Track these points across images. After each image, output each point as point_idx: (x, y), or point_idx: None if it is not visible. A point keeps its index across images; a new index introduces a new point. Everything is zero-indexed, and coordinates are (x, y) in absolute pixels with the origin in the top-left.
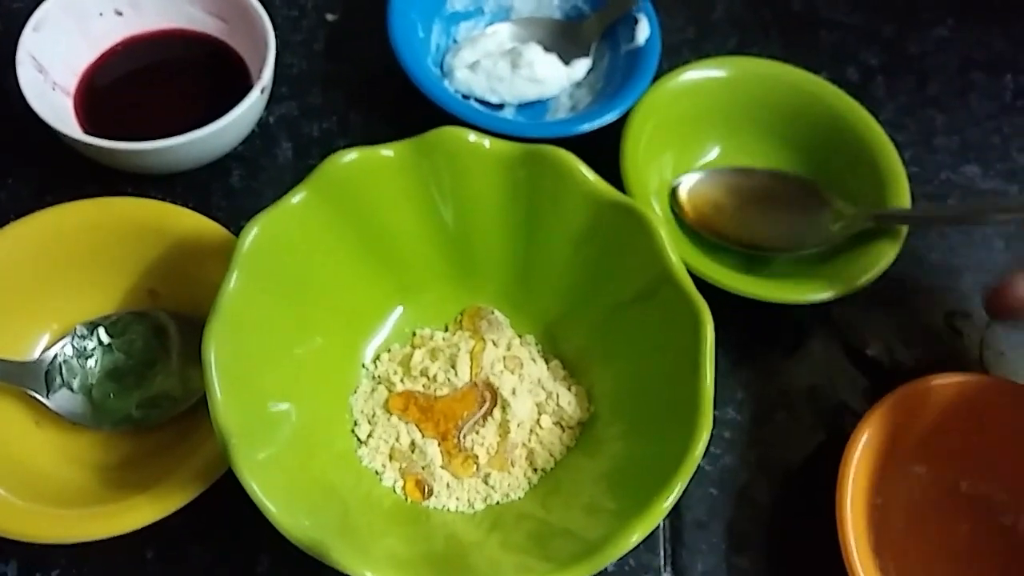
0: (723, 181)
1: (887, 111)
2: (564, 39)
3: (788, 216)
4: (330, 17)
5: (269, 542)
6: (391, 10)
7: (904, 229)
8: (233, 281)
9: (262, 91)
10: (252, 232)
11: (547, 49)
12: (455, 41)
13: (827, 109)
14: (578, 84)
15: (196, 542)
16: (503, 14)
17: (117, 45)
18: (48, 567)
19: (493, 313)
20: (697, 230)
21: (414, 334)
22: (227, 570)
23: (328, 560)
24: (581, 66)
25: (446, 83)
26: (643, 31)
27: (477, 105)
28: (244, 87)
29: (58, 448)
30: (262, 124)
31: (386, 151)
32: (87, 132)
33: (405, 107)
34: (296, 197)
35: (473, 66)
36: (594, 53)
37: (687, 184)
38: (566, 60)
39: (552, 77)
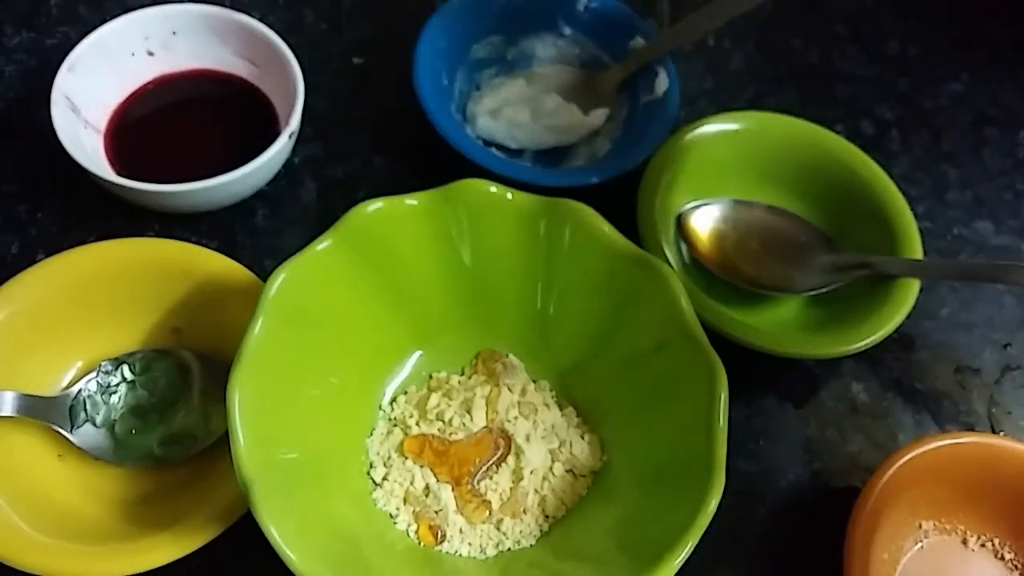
0: (729, 214)
1: (901, 165)
2: (584, 89)
3: (791, 255)
4: (356, 61)
5: None
6: (417, 58)
7: (916, 285)
8: (259, 327)
9: (290, 136)
10: (279, 279)
11: (566, 98)
12: (478, 88)
13: (841, 164)
14: (597, 132)
15: None
16: (525, 62)
17: (148, 84)
18: None
19: (508, 357)
20: (705, 264)
21: (430, 377)
22: None
23: None
24: (599, 116)
25: (468, 129)
26: (662, 83)
27: (497, 152)
28: (271, 129)
29: (79, 482)
30: (288, 165)
31: (410, 200)
32: (116, 169)
33: (427, 151)
34: (322, 244)
35: (494, 113)
36: (613, 103)
37: (698, 213)
38: (585, 109)
39: (571, 126)
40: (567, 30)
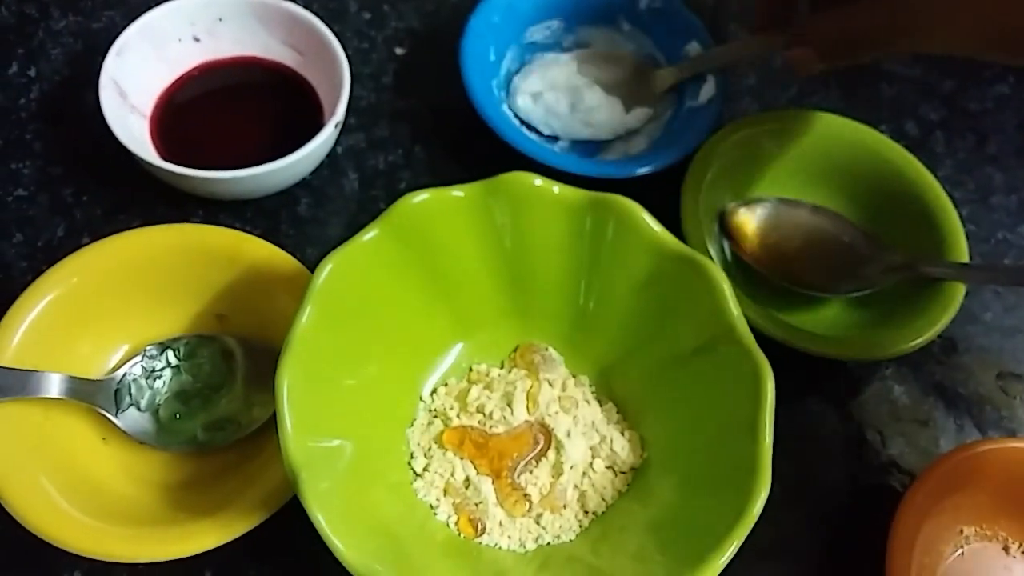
0: (773, 213)
1: (945, 167)
2: (632, 83)
3: (834, 256)
4: (399, 51)
5: (325, 568)
6: (467, 30)
7: (961, 288)
8: (306, 315)
9: (336, 125)
10: (327, 268)
11: (609, 90)
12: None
13: (886, 164)
14: (637, 131)
15: (255, 566)
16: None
17: (193, 70)
18: None
19: (547, 350)
20: (749, 262)
21: (471, 369)
22: None
23: None
24: (639, 116)
25: (506, 106)
26: (708, 91)
27: (532, 135)
28: (315, 118)
29: (123, 466)
30: (331, 155)
31: (456, 192)
32: (161, 155)
33: (468, 142)
34: (368, 235)
35: (535, 96)
36: (659, 103)
37: (742, 211)
38: (628, 106)
39: (608, 123)
40: (626, 26)
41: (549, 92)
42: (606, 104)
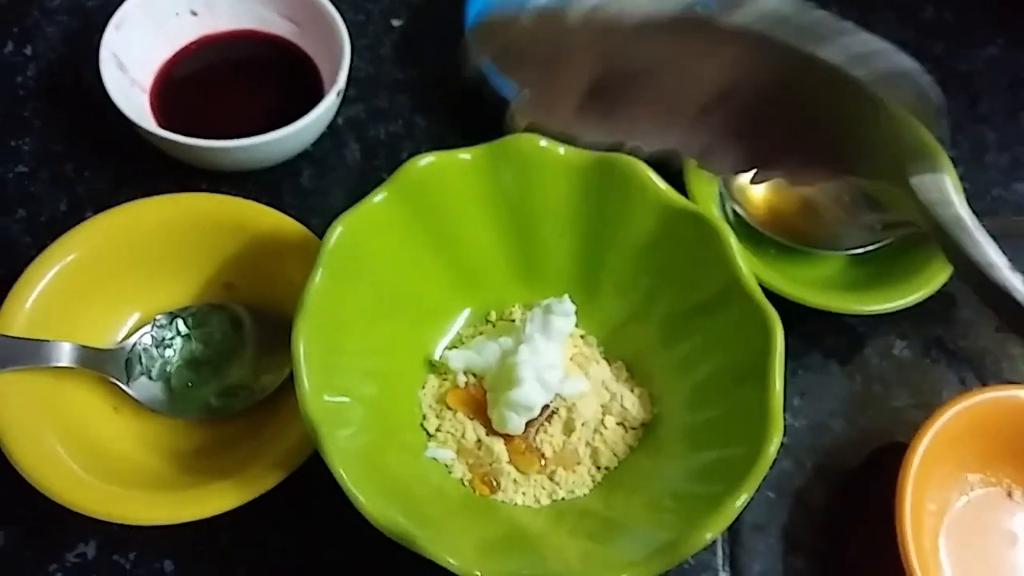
0: None
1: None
2: None
3: (837, 213)
4: (395, 22)
5: (340, 534)
6: None
7: None
8: (319, 277)
9: (337, 94)
10: (337, 230)
11: None
12: None
13: None
14: None
15: (270, 529)
16: None
17: (191, 44)
18: (126, 548)
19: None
20: (752, 221)
21: (480, 333)
22: (300, 557)
23: (414, 547)
24: None
25: None
26: None
27: None
28: (314, 89)
29: (135, 434)
30: (332, 126)
31: (463, 155)
32: (162, 127)
33: (469, 112)
34: (377, 197)
35: None
36: None
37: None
38: None
39: None
40: None
41: None
42: None
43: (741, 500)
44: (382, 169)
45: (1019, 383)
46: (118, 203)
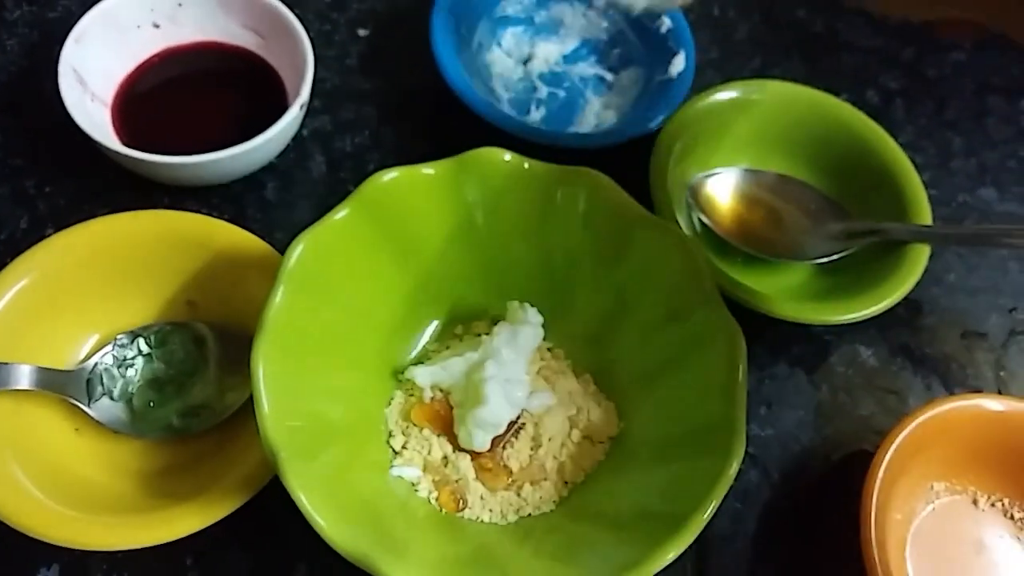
0: (741, 183)
1: (906, 133)
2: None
3: (802, 223)
4: (362, 32)
5: (307, 550)
6: (436, 3)
7: (926, 251)
8: (279, 296)
9: (301, 107)
10: (298, 248)
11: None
12: (499, 45)
13: (849, 131)
14: (606, 105)
15: (234, 550)
16: (553, 28)
17: (154, 57)
18: (89, 573)
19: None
20: (718, 231)
21: (447, 347)
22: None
23: (375, 571)
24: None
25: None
26: (678, 65)
27: (509, 110)
28: (279, 101)
29: (98, 456)
30: (296, 138)
31: (427, 169)
32: (123, 142)
33: (436, 122)
34: (339, 214)
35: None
36: (626, 74)
37: (711, 181)
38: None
39: None
40: (599, 1)
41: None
42: None
43: (705, 516)
44: (348, 181)
45: (984, 390)
46: (80, 219)
